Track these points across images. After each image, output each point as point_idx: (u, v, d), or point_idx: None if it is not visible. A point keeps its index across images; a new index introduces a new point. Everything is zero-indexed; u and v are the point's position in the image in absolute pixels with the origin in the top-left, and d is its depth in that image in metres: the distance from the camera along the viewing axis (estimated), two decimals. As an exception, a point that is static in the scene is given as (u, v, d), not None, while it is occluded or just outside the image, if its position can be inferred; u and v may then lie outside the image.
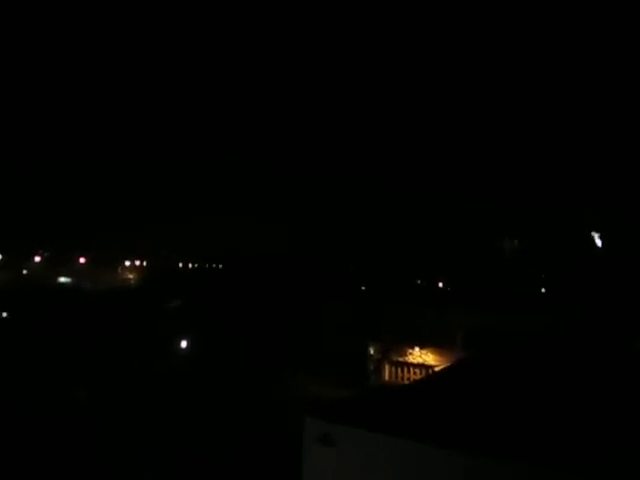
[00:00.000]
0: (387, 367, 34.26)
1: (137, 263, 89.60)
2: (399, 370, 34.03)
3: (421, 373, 31.90)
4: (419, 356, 33.49)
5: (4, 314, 44.27)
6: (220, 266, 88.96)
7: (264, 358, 31.84)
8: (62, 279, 72.54)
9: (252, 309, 40.54)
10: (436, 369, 27.41)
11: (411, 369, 33.51)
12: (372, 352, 34.21)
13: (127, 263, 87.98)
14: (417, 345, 33.41)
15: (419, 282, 71.61)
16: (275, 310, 39.36)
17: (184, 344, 35.99)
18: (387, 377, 34.16)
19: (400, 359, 33.91)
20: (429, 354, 33.24)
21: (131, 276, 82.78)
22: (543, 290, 65.98)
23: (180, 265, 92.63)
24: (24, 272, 74.02)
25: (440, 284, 70.63)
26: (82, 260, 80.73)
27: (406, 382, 31.29)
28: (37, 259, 79.65)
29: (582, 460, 6.77)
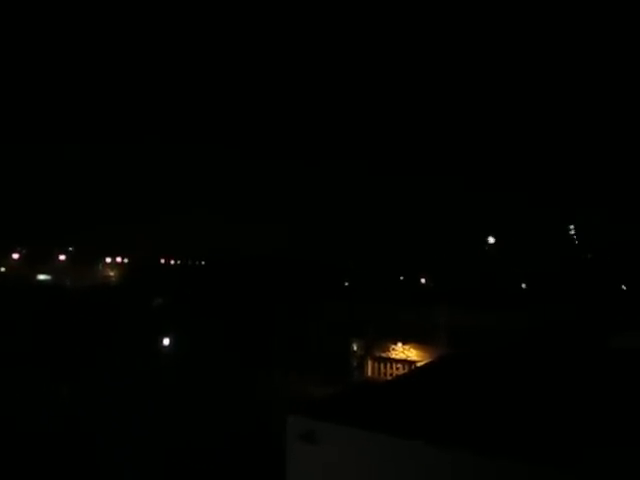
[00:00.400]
0: (370, 363, 34.43)
1: (118, 260, 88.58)
2: (382, 366, 34.21)
3: (404, 368, 32.12)
4: (402, 352, 33.70)
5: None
6: (203, 263, 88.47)
7: (248, 356, 31.77)
8: (41, 276, 71.45)
9: (236, 307, 40.38)
10: (418, 365, 27.63)
11: (394, 365, 33.72)
12: (355, 348, 34.35)
13: (108, 260, 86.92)
14: (400, 341, 33.63)
15: (402, 278, 72.02)
16: (260, 308, 39.26)
17: (167, 342, 35.73)
18: (370, 373, 34.33)
19: (383, 355, 34.10)
20: (412, 350, 33.49)
21: (112, 273, 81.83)
22: (524, 286, 66.86)
23: (163, 262, 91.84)
24: (1, 270, 72.79)
25: (423, 280, 71.13)
26: (62, 257, 79.57)
27: (389, 378, 31.48)
28: (15, 256, 78.32)
29: (561, 457, 6.88)
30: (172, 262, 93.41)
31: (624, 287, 65.03)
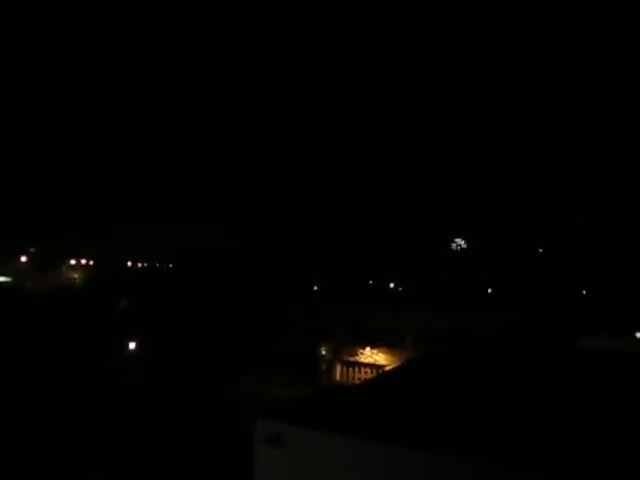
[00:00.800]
0: (338, 367, 34.41)
1: (83, 262, 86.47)
2: (350, 370, 34.23)
3: (372, 372, 32.19)
4: (370, 356, 33.81)
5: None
6: (170, 265, 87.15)
7: (215, 359, 31.35)
8: (1, 278, 69.18)
9: (203, 310, 39.86)
10: (387, 368, 27.75)
11: (362, 369, 33.77)
12: (324, 352, 34.30)
13: (72, 262, 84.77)
14: (368, 345, 33.73)
15: (371, 282, 72.41)
16: (227, 311, 38.86)
17: (132, 345, 34.97)
18: (338, 377, 34.30)
19: (351, 359, 34.14)
20: (380, 354, 33.61)
21: (76, 275, 79.81)
22: (490, 290, 68.10)
23: (129, 265, 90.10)
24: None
25: (391, 284, 71.66)
26: (23, 259, 77.19)
27: (357, 382, 31.51)
28: (-28, 257, 75.51)
29: (527, 456, 6.94)
30: (139, 264, 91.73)
31: (584, 292, 66.93)
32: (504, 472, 6.63)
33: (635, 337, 35.76)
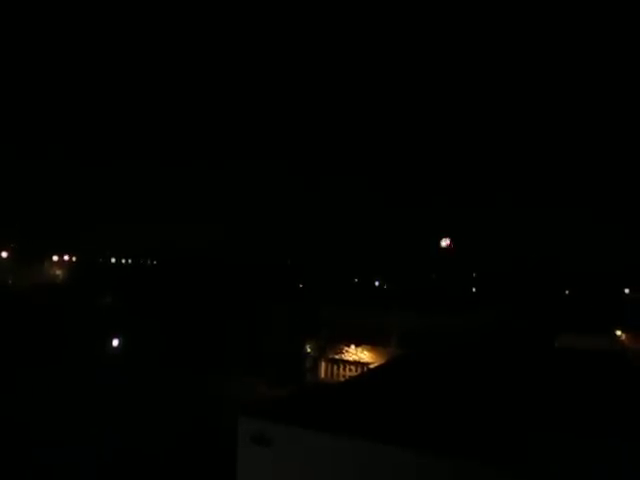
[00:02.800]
0: (323, 365, 34.49)
1: (66, 258, 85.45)
2: (335, 367, 34.34)
3: (357, 370, 32.33)
4: (355, 354, 33.93)
5: None
6: (155, 262, 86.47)
7: (199, 357, 31.21)
8: (-19, 274, 68.01)
9: (188, 307, 39.64)
10: (371, 366, 27.88)
11: (347, 366, 33.90)
12: (309, 350, 34.33)
13: (55, 258, 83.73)
14: (353, 343, 33.84)
15: (356, 280, 72.61)
16: (212, 309, 38.68)
17: (115, 343, 34.69)
18: (323, 375, 34.39)
19: (336, 357, 34.23)
20: (365, 352, 33.75)
21: (59, 272, 78.85)
22: (474, 290, 68.72)
23: (113, 261, 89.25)
24: None
25: (377, 283, 71.95)
26: (4, 254, 76.04)
27: (342, 379, 31.62)
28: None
29: (508, 454, 7.03)
30: (123, 261, 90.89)
31: (567, 291, 67.88)
32: (489, 471, 6.71)
33: (615, 335, 36.48)
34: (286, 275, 64.43)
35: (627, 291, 69.19)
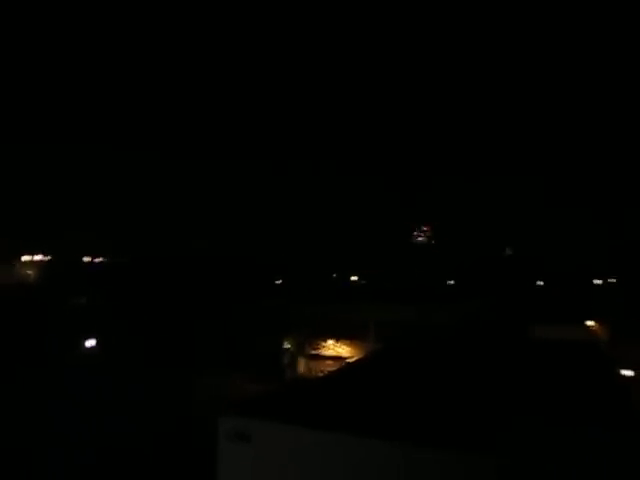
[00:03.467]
0: (302, 360, 34.52)
1: (38, 258, 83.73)
2: (314, 363, 34.40)
3: (335, 365, 32.44)
4: (333, 349, 34.07)
5: None
6: (129, 262, 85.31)
7: (175, 356, 30.92)
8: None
9: (164, 306, 39.24)
10: (349, 361, 28.01)
11: (326, 362, 34.00)
12: (287, 346, 34.34)
13: (26, 258, 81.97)
14: (332, 338, 33.98)
15: (334, 275, 72.84)
16: (188, 306, 38.36)
17: (90, 343, 34.17)
18: (302, 370, 34.42)
19: (315, 352, 34.32)
20: (343, 346, 33.93)
21: (30, 272, 77.21)
22: (452, 282, 69.67)
23: (87, 261, 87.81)
24: None
25: (354, 277, 72.28)
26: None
27: (320, 374, 31.70)
28: None
29: (482, 444, 7.12)
30: (97, 260, 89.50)
31: (541, 282, 69.29)
32: (471, 459, 6.78)
33: (586, 325, 37.43)
34: (263, 272, 64.26)
35: (597, 282, 71.09)
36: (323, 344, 34.26)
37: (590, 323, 38.31)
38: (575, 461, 7.20)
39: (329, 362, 33.75)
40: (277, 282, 62.39)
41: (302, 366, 34.53)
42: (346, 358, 31.90)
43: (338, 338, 34.00)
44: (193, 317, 35.94)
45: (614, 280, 71.05)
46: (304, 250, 73.54)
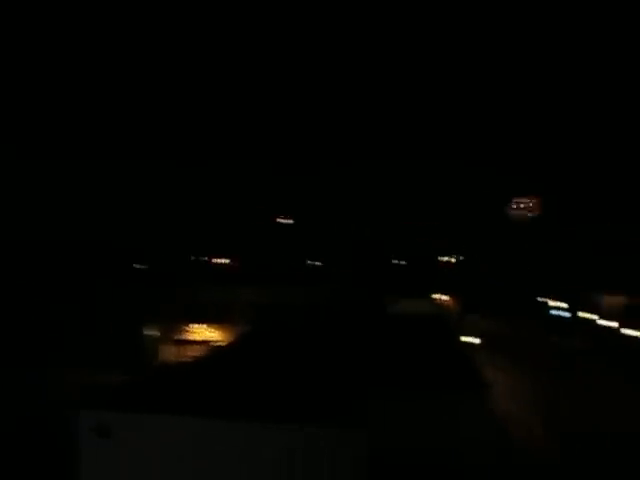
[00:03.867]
0: (167, 346, 33.47)
1: None
2: (180, 348, 33.53)
3: (203, 349, 31.97)
4: (202, 333, 33.52)
5: None
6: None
7: (24, 351, 28.30)
8: None
9: (12, 294, 35.61)
10: (217, 344, 27.82)
11: (194, 347, 33.31)
12: (151, 332, 33.07)
13: None
14: (200, 322, 33.38)
15: (193, 259, 71.23)
16: (37, 295, 35.20)
17: None
18: (167, 356, 33.39)
19: (182, 337, 33.48)
20: (213, 331, 33.51)
21: None
22: (319, 264, 71.93)
23: None
24: None
25: (224, 260, 71.37)
26: None
27: (187, 360, 31.07)
28: None
29: (348, 418, 7.56)
30: None
31: (402, 262, 74.44)
32: (328, 432, 7.14)
33: (433, 298, 41.35)
34: (121, 256, 60.90)
35: (443, 259, 78.51)
36: (192, 329, 33.51)
37: (436, 296, 42.22)
38: (430, 423, 7.92)
39: (197, 347, 33.13)
40: (137, 267, 59.57)
41: (167, 352, 33.50)
42: (214, 342, 31.58)
43: (207, 322, 33.48)
44: (44, 306, 33.09)
45: (462, 258, 78.73)
46: (162, 234, 70.80)
